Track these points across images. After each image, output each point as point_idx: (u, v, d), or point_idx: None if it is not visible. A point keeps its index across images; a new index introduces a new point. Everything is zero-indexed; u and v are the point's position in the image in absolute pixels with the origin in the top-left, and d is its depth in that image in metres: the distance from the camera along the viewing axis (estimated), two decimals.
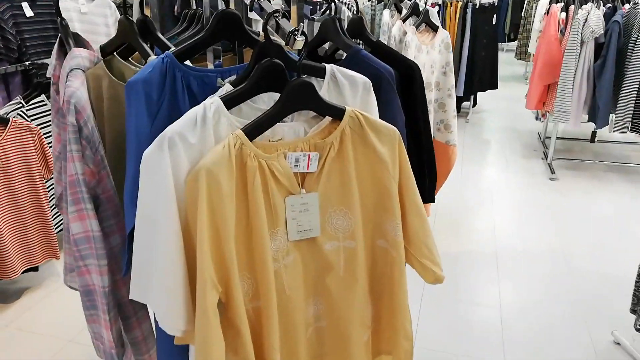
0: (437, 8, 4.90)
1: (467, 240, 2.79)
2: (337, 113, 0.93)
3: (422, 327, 2.07)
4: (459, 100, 5.26)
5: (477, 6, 4.86)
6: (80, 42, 1.06)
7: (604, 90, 3.28)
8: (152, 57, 1.03)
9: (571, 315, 2.14)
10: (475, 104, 5.52)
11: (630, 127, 3.27)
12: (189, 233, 0.86)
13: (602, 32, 3.29)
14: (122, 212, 1.04)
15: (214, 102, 0.86)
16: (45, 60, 2.44)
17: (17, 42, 2.35)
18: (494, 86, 5.25)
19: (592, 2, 3.41)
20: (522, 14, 6.96)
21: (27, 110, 2.27)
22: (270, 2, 0.98)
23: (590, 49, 3.31)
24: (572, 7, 3.65)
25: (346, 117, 0.94)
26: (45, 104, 2.35)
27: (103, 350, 1.09)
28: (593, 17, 3.27)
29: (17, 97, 2.29)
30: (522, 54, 6.74)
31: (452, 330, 2.05)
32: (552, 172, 3.69)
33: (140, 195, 0.83)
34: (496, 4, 5.17)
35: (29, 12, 2.40)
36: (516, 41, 7.26)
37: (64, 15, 2.58)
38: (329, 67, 1.01)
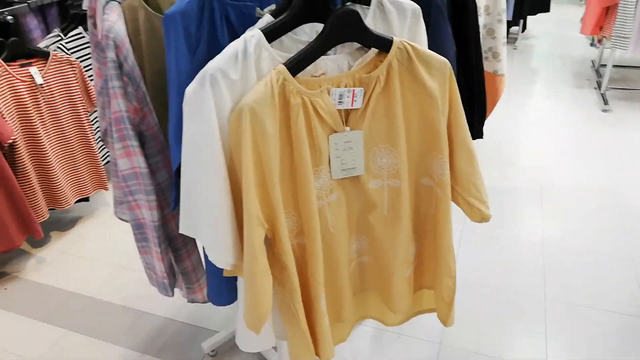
0: None
1: (511, 174, 2.71)
2: (384, 44, 0.87)
3: (461, 259, 2.08)
4: (507, 25, 4.91)
5: None
6: None
7: None
8: None
9: (617, 253, 2.08)
10: (524, 29, 5.16)
11: None
12: (234, 170, 0.86)
13: None
14: (167, 149, 1.04)
15: (254, 35, 0.81)
16: None
17: None
18: (546, 9, 4.85)
19: None
20: None
21: (66, 43, 2.27)
22: None
23: None
24: None
25: (393, 49, 0.88)
26: (83, 36, 2.34)
27: (155, 280, 1.15)
28: None
29: (55, 30, 2.29)
30: None
31: (493, 264, 2.05)
32: (606, 102, 3.47)
33: (184, 134, 0.82)
34: None
35: None
36: None
37: None
38: None
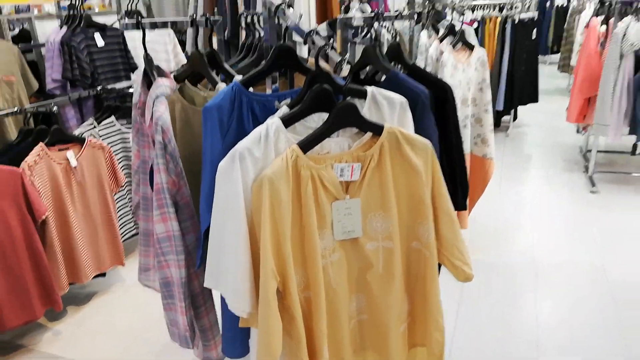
0: (475, 24, 5.00)
1: (506, 253, 2.86)
2: (376, 130, 1.09)
3: (458, 335, 2.17)
4: (499, 114, 5.30)
5: (517, 21, 4.92)
6: (161, 72, 1.27)
7: None
8: (220, 84, 1.22)
9: (609, 330, 2.17)
10: (515, 118, 5.53)
11: None
12: (254, 231, 1.04)
13: None
14: (196, 215, 1.23)
15: (274, 122, 1.04)
16: (116, 85, 2.72)
17: (91, 69, 2.65)
18: (535, 100, 5.26)
19: (632, 15, 3.43)
20: (565, 27, 6.92)
21: (99, 130, 2.55)
22: (320, 35, 1.15)
23: (630, 62, 3.33)
24: (611, 20, 3.67)
25: (385, 133, 1.09)
26: (114, 125, 2.63)
27: (178, 335, 1.28)
28: (632, 31, 3.30)
29: (90, 119, 2.58)
30: (564, 67, 6.70)
31: (488, 338, 2.14)
32: (593, 185, 3.69)
33: (215, 199, 1.01)
34: (536, 19, 5.21)
35: (100, 42, 2.70)
36: (559, 54, 7.21)
37: (129, 43, 2.87)
38: (369, 89, 1.17)
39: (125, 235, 2.72)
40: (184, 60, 3.21)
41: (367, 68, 1.54)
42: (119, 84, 2.74)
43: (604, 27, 3.74)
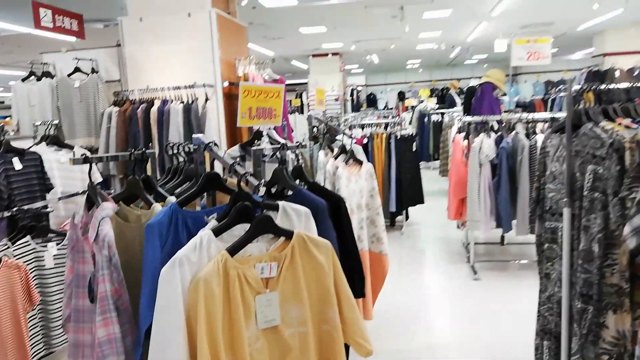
0: (365, 140, 5.76)
1: (405, 338, 3.17)
2: (288, 235, 1.39)
3: None
4: (394, 215, 5.93)
5: (399, 137, 5.77)
6: (104, 197, 1.49)
7: (503, 201, 4.00)
8: (156, 205, 1.48)
9: None
10: (407, 217, 6.20)
11: (529, 230, 3.94)
12: (191, 323, 1.24)
13: (495, 155, 4.10)
14: (133, 319, 1.39)
15: (206, 233, 1.30)
16: (32, 206, 2.79)
17: (8, 192, 2.72)
18: (421, 201, 5.99)
19: (484, 133, 4.27)
20: (440, 139, 8.09)
21: (13, 250, 2.57)
22: (242, 166, 1.46)
23: (487, 170, 4.08)
24: (470, 136, 4.51)
25: (294, 237, 1.40)
26: (29, 244, 2.66)
27: None
28: (485, 145, 4.10)
29: (4, 240, 2.60)
30: (443, 172, 7.71)
31: None
32: (475, 273, 4.24)
33: (157, 299, 1.22)
34: (414, 134, 6.14)
35: (18, 166, 2.81)
36: (439, 160, 8.31)
37: (46, 165, 3.00)
38: (281, 204, 1.49)
39: (35, 356, 2.62)
40: (100, 178, 3.37)
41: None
42: (35, 204, 2.82)
43: (466, 141, 4.56)
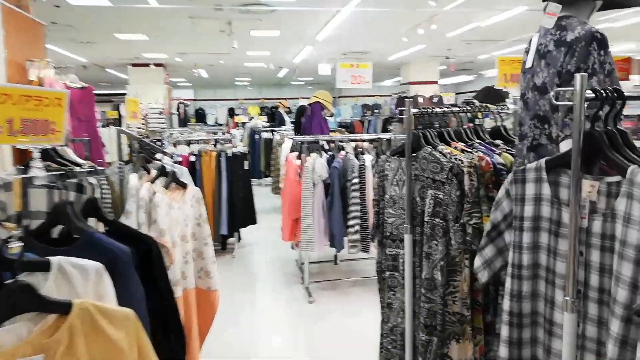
0: (193, 157, 5.29)
1: None
2: (62, 309, 0.95)
3: None
4: (225, 237, 5.55)
5: (230, 154, 5.43)
6: None
7: (336, 220, 3.95)
8: None
9: None
10: (240, 239, 5.87)
11: (361, 248, 3.96)
12: None
13: (327, 175, 4.05)
14: None
15: None
16: None
17: None
18: (254, 222, 5.73)
19: (316, 152, 4.20)
20: (271, 156, 7.98)
21: None
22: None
23: (321, 189, 4.00)
24: (303, 155, 4.41)
25: (74, 311, 0.96)
26: None
27: None
28: (318, 164, 4.02)
29: None
30: (275, 189, 7.60)
31: None
32: (310, 295, 4.11)
33: None
34: (245, 152, 5.87)
35: None
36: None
37: None
38: (55, 259, 1.04)
39: None
40: None
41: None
42: None
43: (299, 160, 4.44)
